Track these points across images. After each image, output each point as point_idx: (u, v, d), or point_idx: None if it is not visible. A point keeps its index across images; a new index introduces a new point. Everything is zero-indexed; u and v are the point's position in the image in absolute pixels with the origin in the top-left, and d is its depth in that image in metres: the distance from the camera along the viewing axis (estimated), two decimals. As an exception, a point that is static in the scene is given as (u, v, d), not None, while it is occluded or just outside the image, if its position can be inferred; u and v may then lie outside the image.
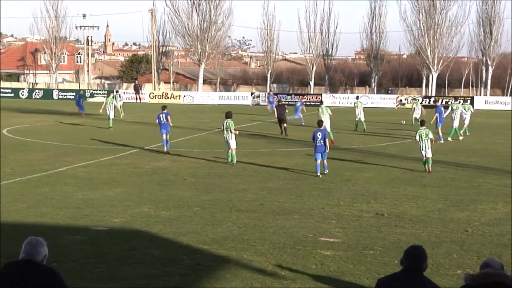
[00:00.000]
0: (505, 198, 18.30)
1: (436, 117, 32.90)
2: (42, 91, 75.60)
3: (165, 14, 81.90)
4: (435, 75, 73.28)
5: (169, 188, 19.46)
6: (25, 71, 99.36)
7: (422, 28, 73.11)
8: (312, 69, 79.40)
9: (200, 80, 78.11)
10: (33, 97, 72.54)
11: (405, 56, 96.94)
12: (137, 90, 72.34)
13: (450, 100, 63.94)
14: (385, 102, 66.74)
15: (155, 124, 30.02)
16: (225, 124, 24.52)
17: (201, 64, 77.44)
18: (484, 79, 73.95)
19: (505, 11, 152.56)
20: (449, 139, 33.12)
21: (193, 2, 77.00)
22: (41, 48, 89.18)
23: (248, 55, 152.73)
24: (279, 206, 17.04)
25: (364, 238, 13.76)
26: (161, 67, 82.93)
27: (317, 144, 22.11)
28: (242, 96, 71.09)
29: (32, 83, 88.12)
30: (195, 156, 26.85)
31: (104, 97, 65.20)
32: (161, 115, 29.07)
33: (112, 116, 39.57)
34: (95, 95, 72.92)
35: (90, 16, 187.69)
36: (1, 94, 73.31)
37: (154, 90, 76.59)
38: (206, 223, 14.98)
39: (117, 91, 62.32)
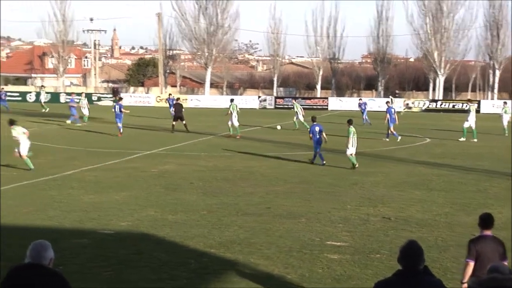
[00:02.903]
0: (513, 202, 18.22)
1: (388, 117, 35.31)
2: (49, 94, 75.70)
3: (172, 18, 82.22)
4: (442, 79, 73.19)
5: (176, 192, 19.46)
6: (33, 75, 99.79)
7: (429, 31, 73.05)
8: (319, 72, 79.40)
9: (207, 84, 78.19)
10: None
11: (412, 59, 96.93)
12: (115, 93, 73.81)
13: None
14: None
15: (161, 128, 30.32)
16: (17, 130, 23.66)
17: (208, 67, 77.53)
18: (491, 83, 73.80)
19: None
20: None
21: (200, 6, 77.22)
22: (49, 52, 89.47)
23: (255, 58, 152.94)
24: (285, 209, 17.02)
25: (371, 242, 13.73)
26: (167, 71, 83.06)
27: (316, 137, 25.27)
28: (249, 100, 71.13)
29: (40, 86, 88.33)
30: (201, 159, 26.86)
31: (112, 100, 66.07)
32: (116, 106, 36.98)
33: (86, 113, 44.75)
34: (102, 99, 73.08)
35: (97, 20, 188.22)
36: (9, 98, 73.56)
37: (161, 93, 76.68)
38: (213, 227, 14.96)
39: (42, 86, 71.64)
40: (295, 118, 42.69)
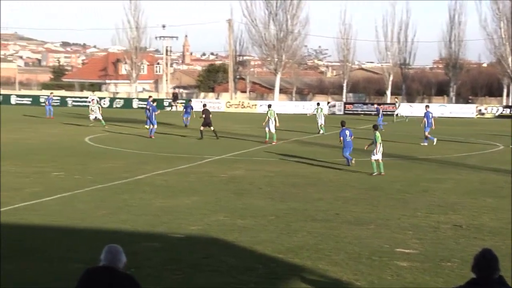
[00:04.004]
0: None
1: (425, 121, 35.98)
2: (122, 100, 77.29)
3: (242, 24, 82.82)
4: (516, 85, 71.44)
5: (245, 197, 19.60)
6: (107, 81, 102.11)
7: (503, 36, 71.43)
8: (389, 78, 78.60)
9: (276, 89, 78.37)
10: (114, 106, 74.05)
11: (485, 65, 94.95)
12: (175, 98, 74.81)
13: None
14: (464, 112, 65.45)
15: (231, 134, 30.55)
16: None
17: (277, 73, 77.71)
18: None
19: None
20: None
21: (270, 12, 77.48)
22: (122, 58, 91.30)
23: (324, 64, 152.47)
24: (354, 216, 16.94)
25: (442, 250, 13.54)
26: (237, 77, 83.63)
27: (347, 140, 26.05)
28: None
29: (113, 92, 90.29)
30: (270, 165, 26.96)
31: (183, 105, 67.09)
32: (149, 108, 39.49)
33: (100, 117, 46.22)
34: (172, 104, 74.07)
35: (169, 27, 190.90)
36: (84, 103, 75.62)
37: (231, 99, 77.31)
38: (281, 232, 15.01)
39: (93, 92, 75.43)
40: (322, 123, 42.85)
